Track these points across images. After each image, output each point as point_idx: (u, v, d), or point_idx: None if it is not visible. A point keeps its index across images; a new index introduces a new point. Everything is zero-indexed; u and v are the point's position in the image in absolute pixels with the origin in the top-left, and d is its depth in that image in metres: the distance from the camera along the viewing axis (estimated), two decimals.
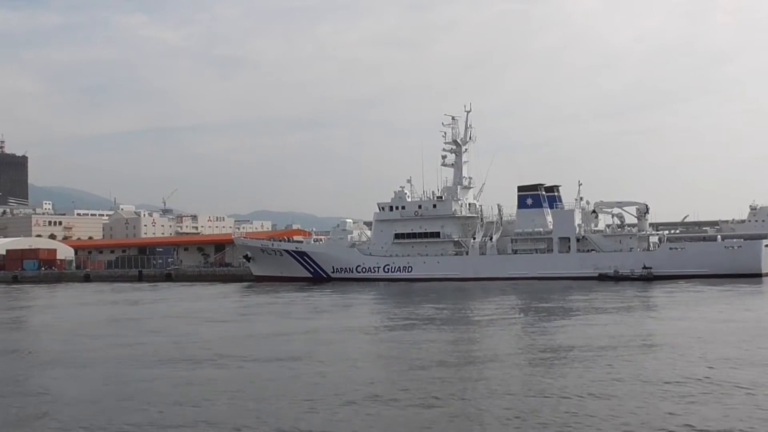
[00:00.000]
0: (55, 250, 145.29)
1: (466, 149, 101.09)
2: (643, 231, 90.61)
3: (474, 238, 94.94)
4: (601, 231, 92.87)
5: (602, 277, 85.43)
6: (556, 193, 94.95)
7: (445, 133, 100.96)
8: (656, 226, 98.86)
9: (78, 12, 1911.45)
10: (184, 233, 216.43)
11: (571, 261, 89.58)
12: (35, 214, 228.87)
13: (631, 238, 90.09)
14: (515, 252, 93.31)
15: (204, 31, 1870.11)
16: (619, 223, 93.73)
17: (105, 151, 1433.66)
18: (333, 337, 38.78)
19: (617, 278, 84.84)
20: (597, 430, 18.91)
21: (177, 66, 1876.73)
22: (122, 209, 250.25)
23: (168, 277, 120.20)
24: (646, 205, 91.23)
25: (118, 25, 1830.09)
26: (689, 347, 31.65)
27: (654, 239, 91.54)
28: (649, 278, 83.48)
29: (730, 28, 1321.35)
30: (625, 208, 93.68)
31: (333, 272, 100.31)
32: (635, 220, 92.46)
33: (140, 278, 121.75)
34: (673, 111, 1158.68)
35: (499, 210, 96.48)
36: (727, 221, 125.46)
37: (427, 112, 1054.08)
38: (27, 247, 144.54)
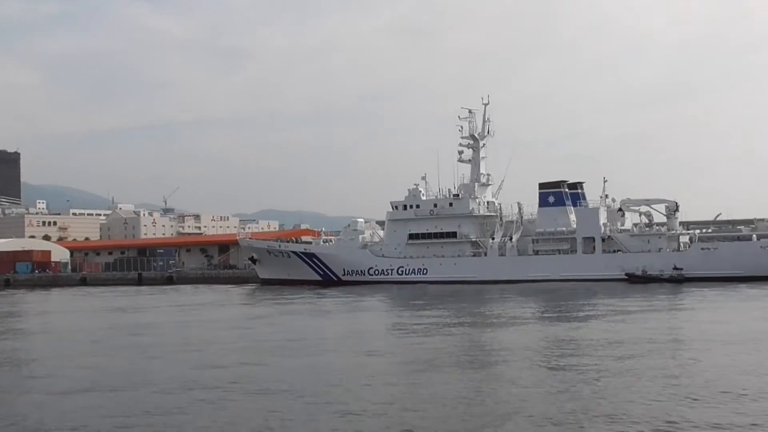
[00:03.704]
0: (49, 251, 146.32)
1: (484, 144, 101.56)
2: (672, 230, 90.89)
3: (493, 239, 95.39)
4: (628, 230, 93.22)
5: (631, 279, 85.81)
6: (579, 191, 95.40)
7: (462, 128, 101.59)
8: (687, 225, 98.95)
9: (76, 0, 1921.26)
10: (186, 234, 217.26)
11: (596, 262, 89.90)
12: (28, 213, 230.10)
13: (660, 237, 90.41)
14: (537, 253, 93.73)
15: (208, 21, 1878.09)
16: (647, 221, 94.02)
17: (103, 147, 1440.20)
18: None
19: (646, 279, 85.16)
20: None
21: (179, 58, 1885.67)
22: (121, 208, 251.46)
23: (169, 280, 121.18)
24: (676, 203, 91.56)
25: (118, 14, 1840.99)
26: None
27: (684, 239, 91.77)
28: (680, 280, 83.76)
29: None
30: (653, 205, 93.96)
31: (344, 275, 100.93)
32: (664, 219, 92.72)
33: (140, 281, 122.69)
34: (707, 102, 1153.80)
35: (520, 208, 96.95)
36: (762, 219, 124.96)
37: (442, 106, 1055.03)
38: (20, 248, 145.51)
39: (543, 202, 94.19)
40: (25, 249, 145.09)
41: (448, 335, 41.59)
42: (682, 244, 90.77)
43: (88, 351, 39.13)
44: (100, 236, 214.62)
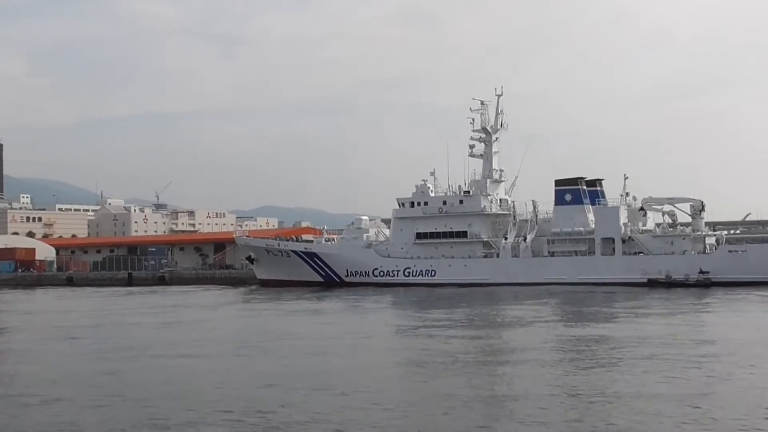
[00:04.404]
0: (33, 249, 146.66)
1: (496, 138, 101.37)
2: (698, 231, 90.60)
3: (506, 239, 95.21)
4: (650, 231, 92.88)
5: (652, 283, 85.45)
6: (598, 188, 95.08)
7: (473, 120, 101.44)
8: (713, 226, 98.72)
9: None
10: (179, 231, 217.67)
11: (615, 264, 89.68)
12: (11, 209, 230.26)
13: (684, 239, 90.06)
14: (552, 254, 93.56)
15: (205, 5, 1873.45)
16: (670, 221, 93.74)
17: (92, 138, 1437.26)
18: None
19: (669, 284, 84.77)
20: None
21: (174, 44, 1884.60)
22: (110, 204, 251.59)
23: (161, 281, 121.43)
24: (702, 202, 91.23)
25: None
26: None
27: (711, 240, 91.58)
28: (706, 284, 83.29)
29: None
30: (677, 204, 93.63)
31: (347, 276, 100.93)
32: (689, 219, 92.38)
33: (130, 282, 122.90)
34: (734, 95, 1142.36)
35: (534, 207, 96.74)
36: None
37: (453, 97, 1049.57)
38: (2, 246, 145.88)
39: (559, 200, 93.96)
40: (8, 246, 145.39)
41: (456, 343, 41.43)
42: (708, 246, 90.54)
43: (58, 353, 39.31)
44: (88, 233, 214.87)
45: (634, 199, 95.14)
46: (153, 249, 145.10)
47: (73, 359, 37.40)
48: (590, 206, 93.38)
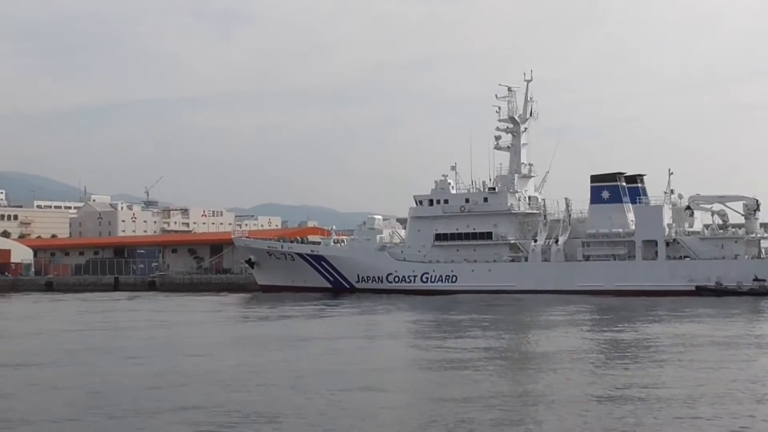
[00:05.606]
0: (8, 251, 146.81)
1: (525, 129, 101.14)
2: (752, 233, 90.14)
3: (535, 241, 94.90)
4: (698, 233, 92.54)
5: (700, 291, 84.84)
6: (639, 185, 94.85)
7: (500, 109, 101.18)
8: None
9: None
10: (171, 231, 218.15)
11: (658, 270, 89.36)
12: None
13: (736, 242, 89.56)
14: (587, 258, 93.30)
15: None
16: (720, 222, 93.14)
17: (74, 128, 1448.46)
18: None
19: (720, 292, 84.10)
20: None
21: (166, 23, 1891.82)
22: (94, 201, 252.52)
23: (151, 286, 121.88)
24: (757, 201, 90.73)
25: None
26: None
27: (766, 244, 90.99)
28: (761, 293, 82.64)
29: None
30: (728, 203, 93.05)
31: (358, 282, 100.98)
32: (742, 220, 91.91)
33: (116, 287, 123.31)
34: None
35: (567, 205, 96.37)
36: None
37: (477, 83, 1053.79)
38: None
39: (595, 197, 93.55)
40: None
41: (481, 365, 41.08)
42: (763, 251, 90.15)
43: None
44: (70, 233, 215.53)
45: (680, 197, 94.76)
46: (142, 251, 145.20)
47: None
48: (630, 205, 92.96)
